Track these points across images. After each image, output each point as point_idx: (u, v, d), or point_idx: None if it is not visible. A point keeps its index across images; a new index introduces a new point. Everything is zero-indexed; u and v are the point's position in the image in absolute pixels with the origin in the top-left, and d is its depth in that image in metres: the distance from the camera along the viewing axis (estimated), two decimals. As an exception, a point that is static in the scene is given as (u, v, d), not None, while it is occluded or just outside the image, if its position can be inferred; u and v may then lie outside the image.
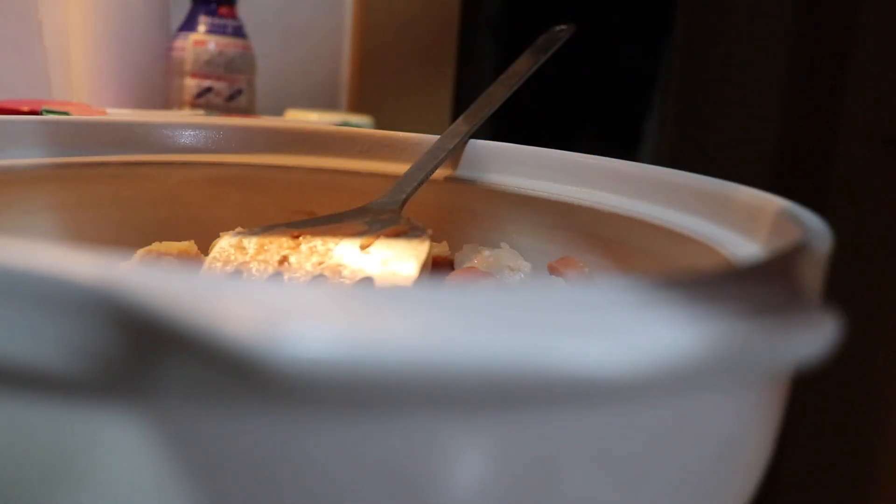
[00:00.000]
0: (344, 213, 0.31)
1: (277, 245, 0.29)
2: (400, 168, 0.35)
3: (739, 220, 0.25)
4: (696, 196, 0.27)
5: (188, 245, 0.31)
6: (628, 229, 0.29)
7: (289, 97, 0.95)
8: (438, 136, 0.34)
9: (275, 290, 0.11)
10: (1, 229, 0.28)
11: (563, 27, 0.36)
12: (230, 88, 0.74)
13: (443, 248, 0.34)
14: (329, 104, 1.03)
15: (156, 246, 0.31)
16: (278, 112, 0.82)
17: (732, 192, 0.25)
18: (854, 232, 0.40)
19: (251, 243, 0.29)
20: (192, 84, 0.73)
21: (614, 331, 0.11)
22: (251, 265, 0.28)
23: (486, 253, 0.32)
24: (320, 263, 0.28)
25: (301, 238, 0.29)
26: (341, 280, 0.27)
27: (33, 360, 0.11)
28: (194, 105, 0.73)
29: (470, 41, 0.76)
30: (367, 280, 0.27)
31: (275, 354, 0.10)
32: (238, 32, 0.75)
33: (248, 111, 0.76)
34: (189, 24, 0.74)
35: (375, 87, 1.00)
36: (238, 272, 0.28)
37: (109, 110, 0.58)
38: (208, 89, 0.73)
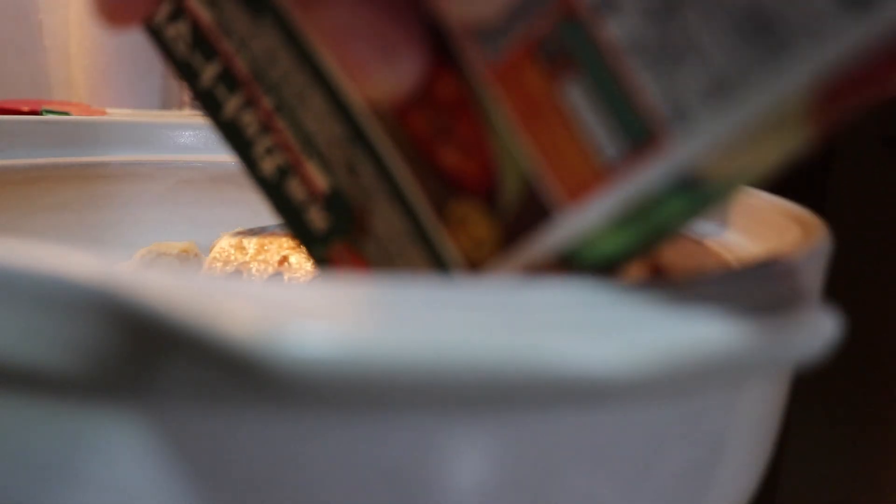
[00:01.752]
0: (344, 213, 0.31)
1: (277, 245, 0.29)
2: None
3: (739, 220, 0.25)
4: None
5: (188, 245, 0.31)
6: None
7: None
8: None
9: (275, 290, 0.11)
10: (1, 229, 0.28)
11: None
12: (230, 88, 0.74)
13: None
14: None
15: (156, 246, 0.31)
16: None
17: (732, 192, 0.25)
18: (854, 232, 0.40)
19: (251, 243, 0.29)
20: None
21: (614, 331, 0.11)
22: (251, 265, 0.28)
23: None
24: (320, 263, 0.28)
25: (301, 238, 0.29)
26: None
27: (33, 359, 0.11)
28: (194, 105, 0.73)
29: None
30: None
31: (274, 354, 0.10)
32: (238, 32, 0.75)
33: (248, 111, 0.76)
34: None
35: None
36: (238, 272, 0.28)
37: (109, 110, 0.58)
38: (208, 89, 0.73)
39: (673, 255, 0.27)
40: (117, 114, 0.56)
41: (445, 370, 0.10)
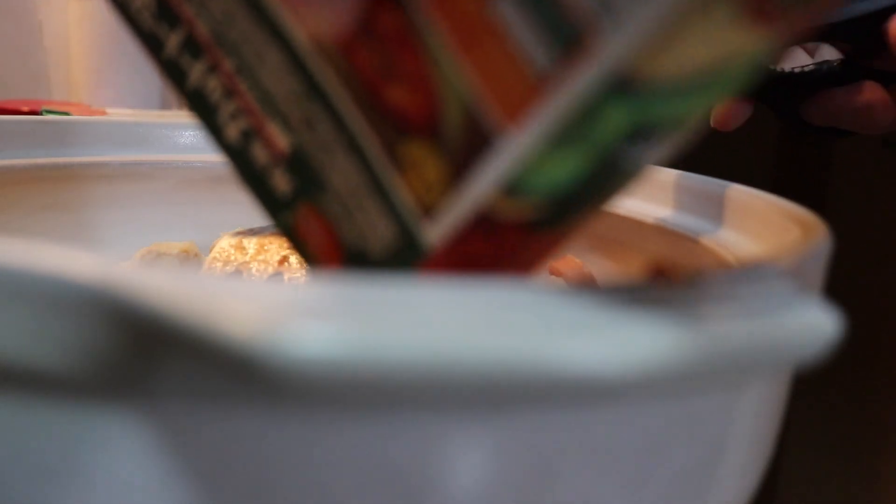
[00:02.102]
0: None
1: (277, 245, 0.29)
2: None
3: (739, 221, 0.25)
4: (696, 196, 0.27)
5: (188, 245, 0.31)
6: (628, 229, 0.29)
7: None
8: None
9: (275, 290, 0.11)
10: (2, 229, 0.28)
11: None
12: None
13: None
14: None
15: (156, 246, 0.31)
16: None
17: (732, 193, 0.25)
18: (854, 232, 0.40)
19: (251, 243, 0.29)
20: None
21: (613, 331, 0.11)
22: (251, 265, 0.28)
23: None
24: (320, 263, 0.28)
25: (301, 238, 0.29)
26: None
27: (34, 360, 0.11)
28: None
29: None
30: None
31: (275, 354, 0.10)
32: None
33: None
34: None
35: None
36: (238, 272, 0.28)
37: (109, 110, 0.58)
38: (208, 89, 0.73)
39: (674, 256, 0.27)
40: (117, 114, 0.56)
41: (445, 370, 0.10)
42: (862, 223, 0.43)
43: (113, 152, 0.32)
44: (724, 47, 0.11)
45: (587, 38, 0.11)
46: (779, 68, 0.28)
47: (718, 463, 0.16)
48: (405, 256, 0.15)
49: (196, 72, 0.17)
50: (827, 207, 0.44)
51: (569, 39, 0.11)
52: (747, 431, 0.16)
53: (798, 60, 0.28)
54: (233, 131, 0.17)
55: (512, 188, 0.13)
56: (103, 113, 0.54)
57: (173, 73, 0.18)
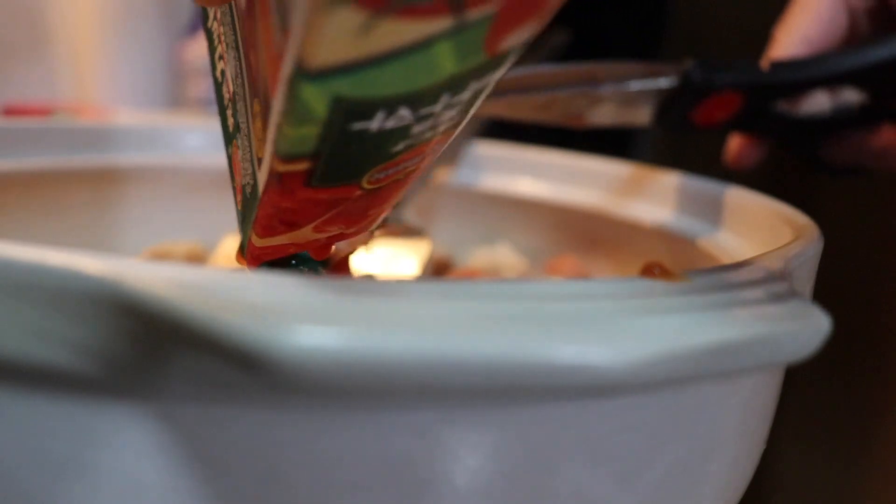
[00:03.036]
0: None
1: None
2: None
3: (734, 222, 0.25)
4: (692, 198, 0.27)
5: (194, 246, 0.31)
6: (626, 230, 0.29)
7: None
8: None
9: (281, 284, 0.11)
10: (11, 231, 0.28)
11: (559, 35, 0.36)
12: (237, 89, 0.74)
13: (442, 250, 0.34)
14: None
15: (161, 246, 0.31)
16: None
17: (727, 194, 0.26)
18: (848, 233, 0.40)
19: (255, 243, 0.29)
20: (200, 84, 0.73)
21: (611, 328, 0.11)
22: (255, 265, 0.28)
23: (485, 253, 0.32)
24: (323, 263, 0.28)
25: (304, 238, 0.29)
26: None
27: (44, 357, 0.12)
28: (203, 105, 0.73)
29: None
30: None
31: (280, 346, 0.10)
32: (245, 33, 0.75)
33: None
34: (198, 25, 0.74)
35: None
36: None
37: (118, 111, 0.59)
38: (216, 90, 0.73)
39: (671, 257, 0.27)
40: (126, 114, 0.56)
41: (446, 365, 0.10)
42: (856, 224, 0.43)
43: (121, 155, 0.32)
44: (389, 38, 0.12)
45: (287, 29, 0.13)
46: (798, 113, 0.27)
47: (711, 457, 0.16)
48: (256, 200, 0.17)
49: (213, 19, 0.20)
50: (821, 209, 0.44)
51: (284, 28, 0.13)
52: (739, 426, 0.16)
53: (818, 104, 0.27)
54: (218, 70, 0.20)
55: (277, 150, 0.15)
56: (112, 114, 0.55)
57: (210, 37, 0.20)
